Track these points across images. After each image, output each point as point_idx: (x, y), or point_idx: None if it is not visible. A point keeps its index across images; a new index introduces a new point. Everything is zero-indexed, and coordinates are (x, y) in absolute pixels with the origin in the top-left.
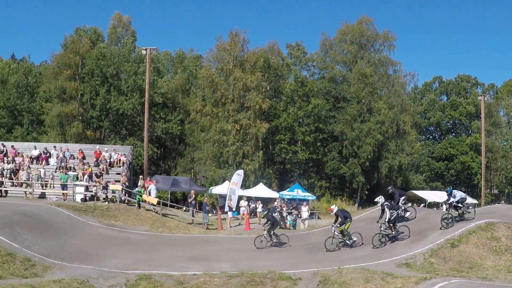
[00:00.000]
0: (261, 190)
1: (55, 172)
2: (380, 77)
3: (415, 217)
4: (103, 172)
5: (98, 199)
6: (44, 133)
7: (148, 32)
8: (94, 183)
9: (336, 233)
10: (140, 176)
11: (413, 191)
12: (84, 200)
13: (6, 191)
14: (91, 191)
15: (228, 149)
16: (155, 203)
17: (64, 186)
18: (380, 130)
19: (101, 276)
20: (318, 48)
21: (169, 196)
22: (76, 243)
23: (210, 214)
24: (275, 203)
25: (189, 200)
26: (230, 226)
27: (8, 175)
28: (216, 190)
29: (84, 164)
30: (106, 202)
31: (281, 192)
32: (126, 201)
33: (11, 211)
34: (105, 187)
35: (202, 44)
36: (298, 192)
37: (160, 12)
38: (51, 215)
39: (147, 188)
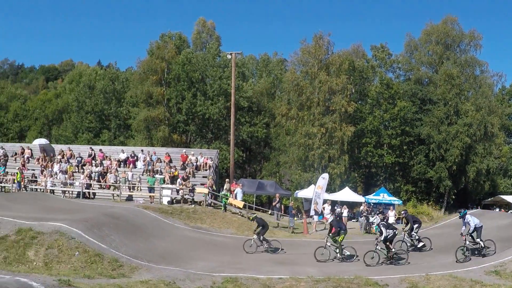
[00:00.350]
0: (346, 194)
1: (142, 175)
2: (466, 78)
3: (431, 248)
4: (189, 175)
5: (184, 202)
6: (131, 137)
7: (232, 36)
8: (181, 186)
9: (329, 244)
10: (226, 180)
11: (501, 196)
12: (170, 202)
13: (94, 194)
14: (178, 194)
15: (314, 152)
16: (241, 206)
17: (151, 189)
18: (467, 132)
19: (187, 278)
20: (403, 50)
21: (254, 199)
22: (162, 245)
23: (295, 218)
24: (361, 207)
25: (274, 204)
26: (316, 230)
27: (96, 178)
28: (302, 194)
29: (171, 167)
30: (193, 205)
31: (366, 196)
32: (212, 204)
33: (99, 213)
34: (192, 190)
35: (286, 48)
36: (384, 197)
37: (244, 16)
38: (138, 217)
39: (233, 191)
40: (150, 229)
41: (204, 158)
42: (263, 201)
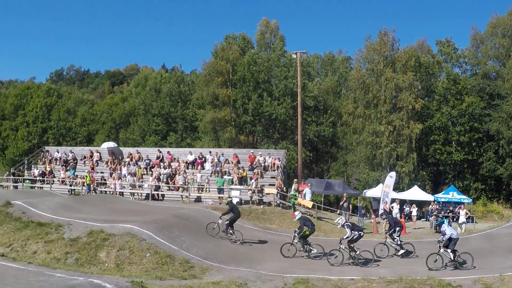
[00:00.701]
0: (415, 193)
1: (210, 176)
2: None
3: (416, 255)
4: (258, 176)
5: (253, 202)
6: (198, 138)
7: (296, 35)
8: (249, 186)
9: (296, 241)
10: (295, 180)
11: None
12: (239, 203)
13: (163, 195)
14: (246, 195)
15: (381, 151)
16: (310, 206)
17: (220, 190)
18: None
19: (258, 279)
20: (469, 43)
21: (322, 199)
22: (232, 246)
23: (364, 218)
24: (430, 206)
25: (341, 203)
26: (385, 230)
27: (164, 180)
28: (370, 193)
29: (239, 168)
30: (261, 206)
31: (435, 195)
32: (281, 205)
33: (169, 214)
34: (260, 191)
35: (350, 46)
36: (453, 195)
37: (307, 15)
38: (207, 218)
39: (302, 191)
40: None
41: (272, 158)
42: (331, 201)
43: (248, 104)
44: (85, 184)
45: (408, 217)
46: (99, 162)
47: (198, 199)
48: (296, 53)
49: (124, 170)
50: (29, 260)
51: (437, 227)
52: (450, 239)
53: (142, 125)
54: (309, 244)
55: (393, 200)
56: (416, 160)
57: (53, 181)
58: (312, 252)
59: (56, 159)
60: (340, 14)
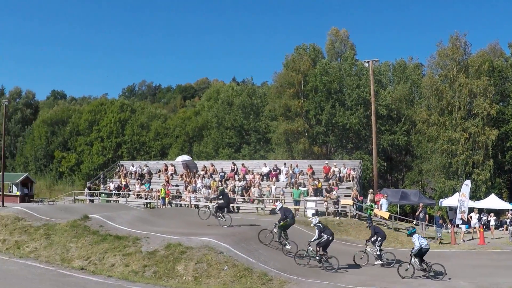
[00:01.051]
0: (492, 202)
1: (285, 188)
2: None
3: (393, 263)
4: (333, 187)
5: (329, 214)
6: (271, 150)
7: (365, 43)
8: (325, 198)
9: (275, 230)
10: (370, 190)
11: None
12: (315, 215)
13: (238, 207)
14: (322, 206)
15: (457, 158)
16: (386, 217)
17: (296, 202)
18: None
19: None
20: None
21: (398, 209)
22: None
23: (442, 228)
24: (508, 214)
25: (417, 213)
26: (464, 240)
27: (239, 192)
28: (446, 202)
29: (314, 179)
30: (337, 217)
31: None
32: (357, 216)
33: (245, 227)
34: (336, 202)
35: (421, 52)
36: None
37: (376, 23)
38: None
39: (378, 202)
40: (297, 242)
41: (347, 169)
42: (406, 211)
43: (321, 114)
44: (160, 197)
45: (486, 226)
46: (173, 175)
47: (273, 211)
48: (368, 62)
49: (199, 183)
50: (108, 273)
51: (408, 236)
52: (420, 249)
53: (215, 138)
54: (286, 238)
55: (471, 210)
56: (492, 168)
57: (129, 194)
58: (286, 246)
59: (131, 173)
60: (409, 20)
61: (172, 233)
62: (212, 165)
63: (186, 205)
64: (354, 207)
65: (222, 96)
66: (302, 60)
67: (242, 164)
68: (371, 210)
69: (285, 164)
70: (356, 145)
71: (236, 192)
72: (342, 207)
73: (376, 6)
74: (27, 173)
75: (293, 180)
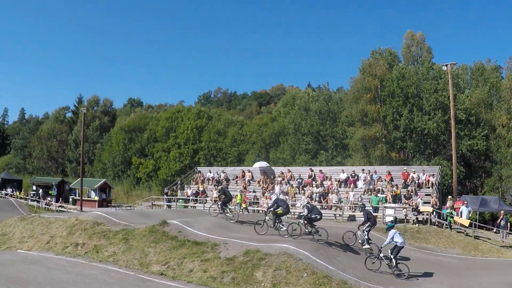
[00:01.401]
0: None
1: (364, 194)
2: None
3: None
4: (411, 193)
5: (407, 221)
6: (349, 156)
7: (441, 46)
8: (404, 205)
9: (268, 218)
10: (449, 197)
11: None
12: (393, 222)
13: None
14: (401, 213)
15: None
16: (467, 224)
17: (375, 209)
18: None
19: None
20: None
21: (477, 216)
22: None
23: None
24: None
25: (498, 221)
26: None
27: (317, 199)
28: None
29: (392, 186)
30: (416, 224)
31: None
32: (437, 223)
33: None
34: (415, 209)
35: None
36: None
37: (452, 25)
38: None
39: (458, 208)
40: (374, 249)
41: (426, 175)
42: (485, 218)
43: (399, 120)
44: (235, 203)
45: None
46: (251, 181)
47: (352, 218)
48: (446, 65)
49: (277, 189)
50: (187, 279)
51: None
52: (395, 246)
53: (292, 144)
54: (280, 222)
55: None
56: None
57: (206, 200)
58: (281, 229)
59: (208, 179)
60: (486, 21)
61: (251, 239)
62: (289, 171)
63: (263, 212)
64: (434, 214)
65: (299, 102)
66: (378, 64)
67: (320, 171)
68: (451, 217)
69: (363, 170)
70: (435, 151)
71: (314, 199)
72: (421, 214)
73: (451, 8)
74: (105, 179)
75: (371, 186)
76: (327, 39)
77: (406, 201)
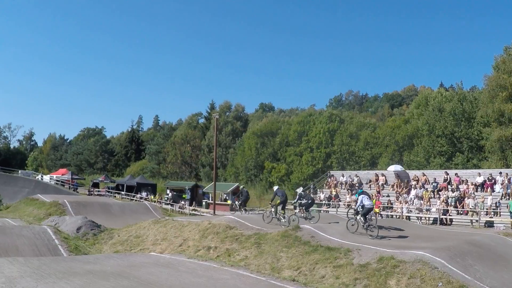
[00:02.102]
0: None
1: (501, 199)
2: None
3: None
4: None
5: None
6: (484, 159)
7: None
8: None
9: (269, 211)
10: None
11: None
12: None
13: (451, 220)
14: None
15: None
16: None
17: None
18: None
19: None
20: None
21: None
22: None
23: None
24: None
25: None
26: None
27: (452, 203)
28: None
29: None
30: None
31: None
32: None
33: (460, 241)
34: None
35: None
36: None
37: None
38: (500, 245)
39: None
40: None
41: None
42: None
43: None
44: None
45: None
46: (384, 185)
47: (489, 224)
48: None
49: (411, 193)
50: (319, 285)
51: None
52: (363, 206)
53: (426, 147)
54: (282, 213)
55: None
56: None
57: (339, 205)
58: (282, 220)
59: (341, 183)
60: None
61: (384, 245)
62: (424, 175)
63: (398, 216)
64: None
65: (432, 102)
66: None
67: (456, 174)
68: None
69: (500, 173)
70: None
71: (449, 203)
72: None
73: None
74: (238, 183)
75: (509, 190)
76: (459, 38)
77: None
